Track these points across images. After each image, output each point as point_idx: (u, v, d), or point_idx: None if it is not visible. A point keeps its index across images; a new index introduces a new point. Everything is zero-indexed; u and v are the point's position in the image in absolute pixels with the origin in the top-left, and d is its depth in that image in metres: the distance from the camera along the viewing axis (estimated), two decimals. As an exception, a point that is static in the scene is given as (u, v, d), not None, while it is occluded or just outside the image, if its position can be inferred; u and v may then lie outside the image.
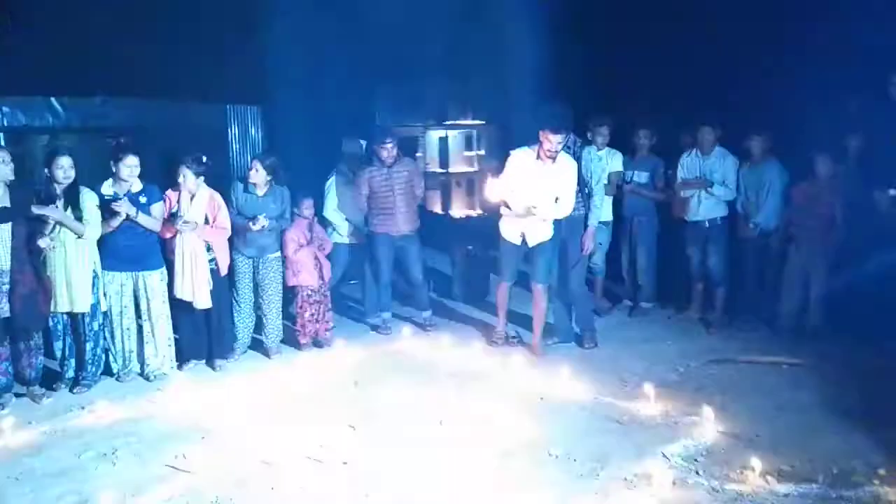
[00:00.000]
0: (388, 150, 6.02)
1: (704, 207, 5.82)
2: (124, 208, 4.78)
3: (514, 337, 5.67)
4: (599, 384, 4.69)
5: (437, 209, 10.09)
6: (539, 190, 5.11)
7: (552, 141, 4.96)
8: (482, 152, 10.36)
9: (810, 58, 5.60)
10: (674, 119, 6.40)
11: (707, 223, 5.83)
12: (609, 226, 6.32)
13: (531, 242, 5.24)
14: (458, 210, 10.14)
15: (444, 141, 10.28)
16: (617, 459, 3.61)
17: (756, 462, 3.38)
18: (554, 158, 5.05)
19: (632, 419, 4.13)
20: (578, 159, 5.31)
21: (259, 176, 5.37)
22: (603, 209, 5.75)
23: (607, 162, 6.15)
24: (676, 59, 6.94)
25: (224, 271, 5.26)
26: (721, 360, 5.03)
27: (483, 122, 10.30)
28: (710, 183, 5.73)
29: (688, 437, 3.84)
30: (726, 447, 3.71)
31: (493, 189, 5.24)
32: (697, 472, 3.44)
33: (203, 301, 5.10)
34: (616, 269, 6.56)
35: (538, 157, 5.11)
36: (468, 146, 10.59)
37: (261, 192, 5.42)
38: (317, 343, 5.81)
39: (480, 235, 7.16)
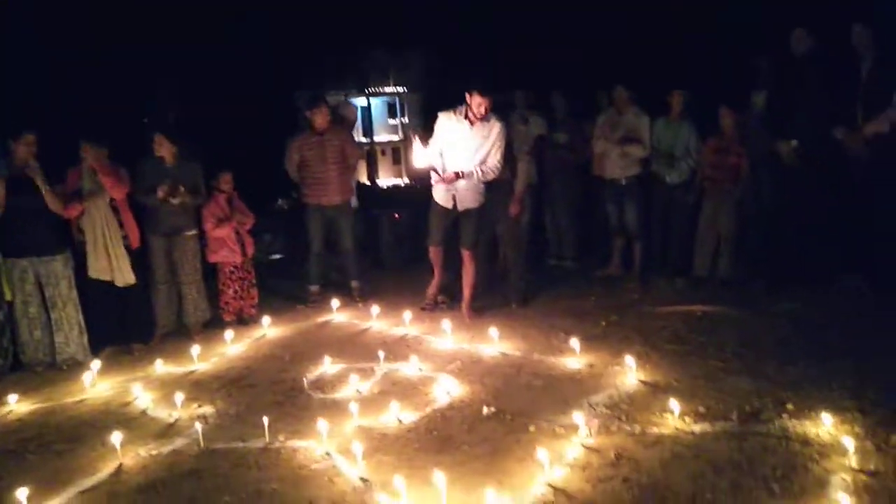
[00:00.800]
0: (323, 115, 5.85)
1: (619, 165, 5.96)
2: (37, 175, 4.48)
3: (443, 302, 5.70)
4: (529, 341, 4.80)
5: (364, 179, 9.98)
6: (466, 151, 5.10)
7: (478, 102, 4.93)
8: (406, 120, 10.31)
9: (722, 18, 5.79)
10: (591, 80, 6.51)
11: (623, 181, 5.99)
12: (533, 188, 6.41)
13: (461, 207, 5.25)
14: (385, 179, 10.10)
15: (366, 109, 10.15)
16: (546, 412, 3.71)
17: (674, 405, 3.54)
18: (482, 120, 5.04)
19: (560, 373, 4.25)
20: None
21: (164, 148, 5.13)
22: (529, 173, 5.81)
23: (531, 126, 6.21)
24: (594, 21, 7.04)
25: (136, 244, 5.04)
26: (641, 312, 5.22)
27: (405, 90, 10.25)
28: (625, 141, 5.85)
29: (612, 386, 3.98)
30: (647, 393, 3.87)
31: (420, 154, 5.18)
32: (621, 419, 3.58)
33: (126, 276, 4.88)
34: (540, 229, 6.68)
35: (465, 117, 5.09)
36: (391, 114, 10.46)
37: (170, 164, 5.18)
38: (242, 320, 5.67)
39: (408, 204, 7.14)
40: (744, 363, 4.15)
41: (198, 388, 4.43)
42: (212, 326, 5.54)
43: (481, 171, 5.10)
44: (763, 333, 4.57)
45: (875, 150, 4.70)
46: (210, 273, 5.65)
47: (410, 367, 4.47)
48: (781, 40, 5.16)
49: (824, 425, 3.26)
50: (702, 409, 3.61)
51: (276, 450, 3.54)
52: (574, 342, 4.44)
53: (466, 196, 5.22)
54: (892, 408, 3.39)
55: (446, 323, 5.04)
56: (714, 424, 3.45)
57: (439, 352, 4.76)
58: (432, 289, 5.69)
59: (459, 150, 5.12)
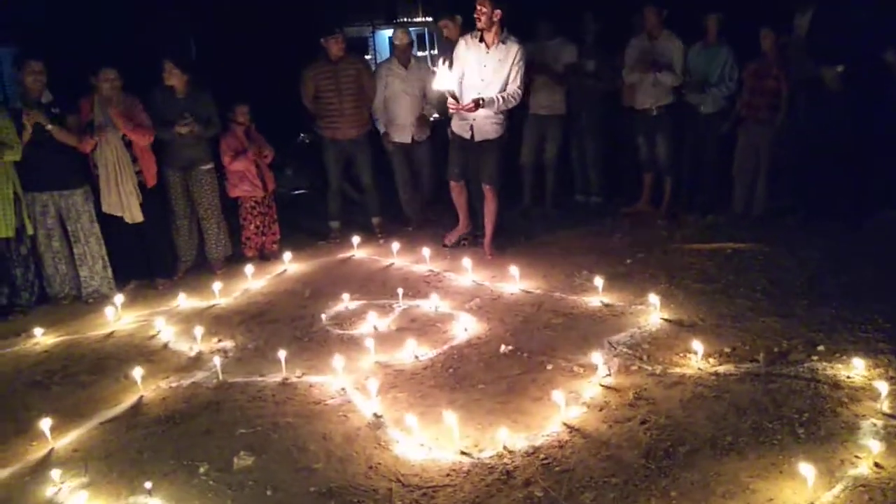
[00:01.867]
0: (338, 44, 5.64)
1: (651, 95, 5.65)
2: (33, 119, 4.41)
3: (465, 239, 5.59)
4: (550, 279, 4.69)
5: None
6: (485, 77, 4.85)
7: (478, 11, 4.65)
8: (435, 52, 9.98)
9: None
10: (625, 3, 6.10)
11: (654, 111, 5.69)
12: (562, 119, 6.17)
13: (478, 137, 5.04)
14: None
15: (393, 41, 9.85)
16: (564, 352, 3.65)
17: (698, 346, 3.43)
18: (500, 42, 4.77)
19: (581, 312, 4.15)
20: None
21: (174, 77, 4.98)
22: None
23: (560, 52, 5.91)
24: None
25: (151, 182, 4.98)
26: (669, 249, 5.05)
27: (434, 20, 9.88)
28: (658, 66, 5.51)
29: (633, 326, 3.88)
30: (670, 333, 3.77)
31: (442, 78, 4.91)
32: (641, 359, 3.49)
33: (134, 214, 4.85)
34: (567, 162, 6.46)
35: (481, 40, 4.84)
36: (420, 46, 10.09)
37: (181, 94, 5.06)
38: (264, 256, 5.65)
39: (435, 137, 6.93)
40: (774, 303, 4.00)
41: (218, 322, 4.45)
42: (234, 261, 5.54)
43: (502, 98, 4.83)
44: (795, 271, 4.39)
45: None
46: (232, 208, 5.61)
47: (429, 305, 4.42)
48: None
49: (856, 368, 3.14)
50: (727, 350, 3.50)
51: (293, 384, 3.56)
52: (597, 280, 4.32)
53: (485, 126, 4.99)
54: (930, 351, 3.24)
55: (467, 261, 4.95)
56: (739, 366, 3.35)
57: (459, 289, 4.69)
58: (461, 224, 5.53)
59: (476, 77, 4.87)
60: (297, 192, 7.72)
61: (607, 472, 2.67)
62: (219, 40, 7.61)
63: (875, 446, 2.58)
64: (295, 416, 3.25)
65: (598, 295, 4.27)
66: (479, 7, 4.68)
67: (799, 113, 5.08)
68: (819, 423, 2.81)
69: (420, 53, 10.00)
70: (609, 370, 3.38)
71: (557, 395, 3.06)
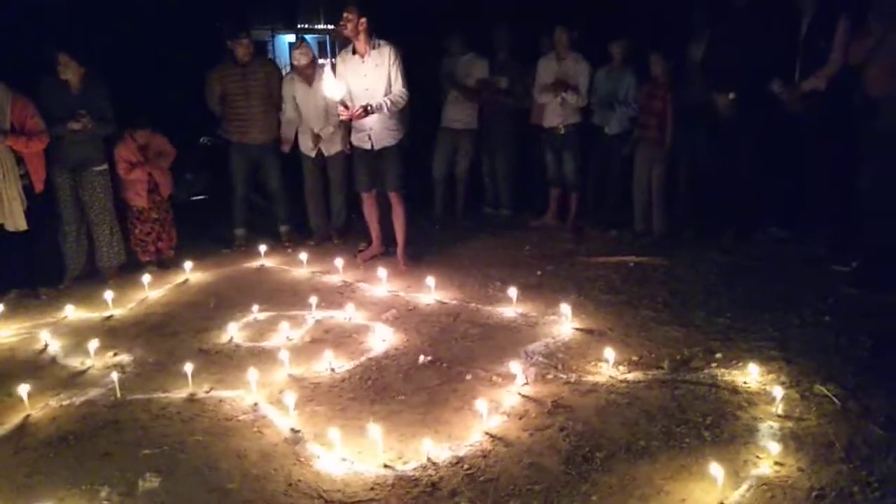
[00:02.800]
0: (245, 47, 5.45)
1: (558, 114, 5.85)
2: None
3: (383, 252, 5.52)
4: (465, 290, 4.73)
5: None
6: (368, 87, 4.87)
7: (344, 19, 4.70)
8: (335, 61, 9.85)
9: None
10: (535, 23, 6.30)
11: (562, 129, 5.90)
12: (474, 133, 6.28)
13: (378, 146, 5.03)
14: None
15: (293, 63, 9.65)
16: (482, 361, 3.67)
17: (609, 354, 3.56)
18: (372, 49, 4.79)
19: (497, 322, 4.21)
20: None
21: (70, 70, 4.62)
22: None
23: (472, 68, 6.02)
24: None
25: (39, 187, 4.59)
26: (576, 262, 5.23)
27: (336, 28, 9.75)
28: (565, 87, 5.73)
29: (548, 335, 3.97)
30: (582, 342, 3.89)
31: (329, 85, 4.87)
32: (557, 367, 3.58)
33: (17, 222, 4.44)
34: (477, 176, 6.58)
35: (354, 52, 4.88)
36: (322, 54, 9.91)
37: (76, 89, 4.69)
38: (161, 263, 5.34)
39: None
40: (674, 313, 4.22)
41: (113, 335, 4.15)
42: (128, 270, 5.20)
43: (390, 101, 4.84)
44: (693, 284, 4.66)
45: (809, 105, 4.78)
46: (124, 211, 5.27)
47: (344, 316, 4.33)
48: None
49: (752, 374, 3.35)
50: (635, 358, 3.66)
51: (201, 400, 3.37)
52: (511, 291, 4.40)
53: (382, 133, 4.98)
54: (815, 358, 3.52)
55: (381, 271, 4.90)
56: (647, 373, 3.50)
57: (374, 300, 4.63)
58: (370, 251, 5.45)
59: (360, 87, 4.87)
60: (196, 197, 7.37)
61: (530, 479, 2.71)
62: (116, 40, 7.17)
63: (774, 447, 2.77)
64: (205, 434, 3.06)
65: (512, 305, 4.34)
66: (345, 15, 4.71)
67: (696, 136, 5.43)
68: (722, 427, 2.98)
69: (322, 61, 9.84)
70: (527, 379, 3.44)
71: (480, 403, 3.08)
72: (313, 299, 4.45)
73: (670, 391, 3.29)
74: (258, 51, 5.72)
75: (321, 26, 10.16)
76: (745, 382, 3.32)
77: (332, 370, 3.63)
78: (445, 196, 6.54)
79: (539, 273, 5.04)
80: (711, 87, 5.16)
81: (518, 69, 6.16)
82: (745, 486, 2.57)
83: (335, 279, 5.04)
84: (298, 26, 10.38)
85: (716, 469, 2.55)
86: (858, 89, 4.41)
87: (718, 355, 3.63)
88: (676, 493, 2.57)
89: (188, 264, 5.20)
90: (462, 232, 6.14)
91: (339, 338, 4.06)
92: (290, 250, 5.71)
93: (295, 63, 5.54)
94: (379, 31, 4.89)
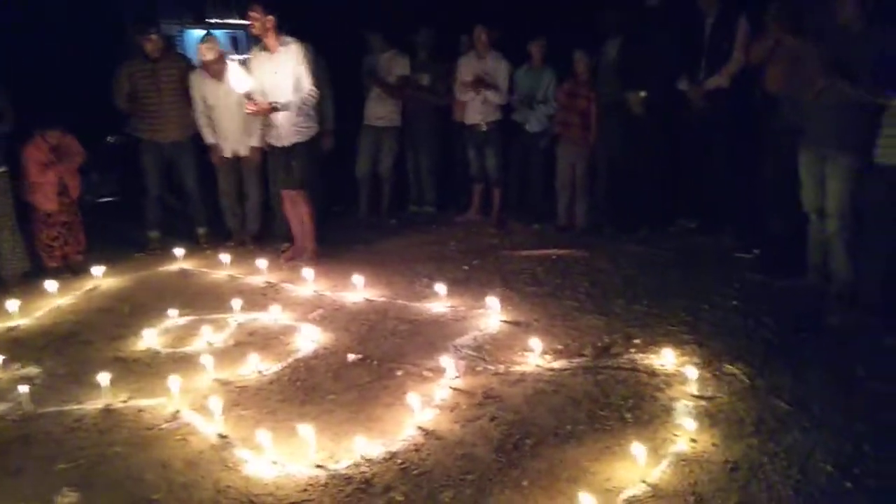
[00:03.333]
0: (153, 43, 5.24)
1: (480, 111, 5.94)
2: None
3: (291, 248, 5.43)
4: (393, 287, 4.73)
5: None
6: (276, 83, 4.85)
7: (251, 17, 4.71)
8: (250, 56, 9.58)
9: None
10: (455, 22, 6.36)
11: (484, 126, 5.99)
12: (397, 131, 6.28)
13: (287, 142, 5.00)
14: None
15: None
16: (412, 357, 3.69)
17: (535, 344, 3.65)
18: (281, 45, 4.78)
19: (425, 318, 4.23)
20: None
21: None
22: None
23: (393, 65, 6.01)
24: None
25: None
26: (501, 256, 5.33)
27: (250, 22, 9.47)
28: (486, 85, 5.82)
29: (476, 328, 4.03)
30: (509, 334, 3.97)
31: (235, 78, 4.87)
32: (485, 360, 3.65)
33: None
34: (402, 172, 6.58)
35: (264, 49, 4.86)
36: (235, 49, 9.63)
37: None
38: (70, 268, 5.06)
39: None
40: (595, 303, 4.38)
41: (19, 346, 3.92)
42: (33, 277, 4.89)
43: (298, 99, 4.84)
44: (612, 274, 4.85)
45: (714, 103, 5.06)
46: (28, 215, 4.97)
47: (269, 317, 4.24)
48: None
49: (667, 357, 3.52)
50: (560, 347, 3.77)
51: (119, 411, 3.23)
52: (439, 286, 4.43)
53: (290, 130, 4.96)
54: (724, 340, 3.75)
55: (307, 271, 4.82)
56: (571, 360, 3.62)
57: (300, 300, 4.56)
58: (294, 250, 5.36)
59: (271, 84, 4.86)
60: (104, 199, 7.02)
61: (463, 469, 2.75)
62: (17, 34, 6.74)
63: (689, 424, 2.93)
64: (125, 445, 2.94)
65: (440, 300, 4.38)
66: (251, 14, 4.71)
67: (611, 133, 5.64)
68: (642, 408, 3.13)
69: (236, 57, 9.56)
70: (457, 372, 3.48)
71: (412, 398, 3.10)
72: (236, 302, 4.34)
73: (593, 377, 3.42)
74: (168, 46, 5.49)
75: (234, 21, 9.85)
76: (661, 365, 3.48)
77: (259, 373, 3.56)
78: (370, 194, 6.51)
79: (465, 268, 5.10)
80: (624, 85, 5.37)
81: (439, 67, 6.21)
82: (664, 463, 2.71)
83: (258, 280, 4.92)
84: (209, 20, 10.03)
85: (637, 448, 2.67)
86: (758, 87, 4.72)
87: (637, 341, 3.79)
88: (602, 473, 2.68)
89: (99, 269, 4.95)
90: (388, 229, 6.14)
91: (265, 340, 3.97)
92: (209, 252, 5.53)
93: (201, 58, 5.27)
94: (299, 28, 4.83)
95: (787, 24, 4.29)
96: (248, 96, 4.83)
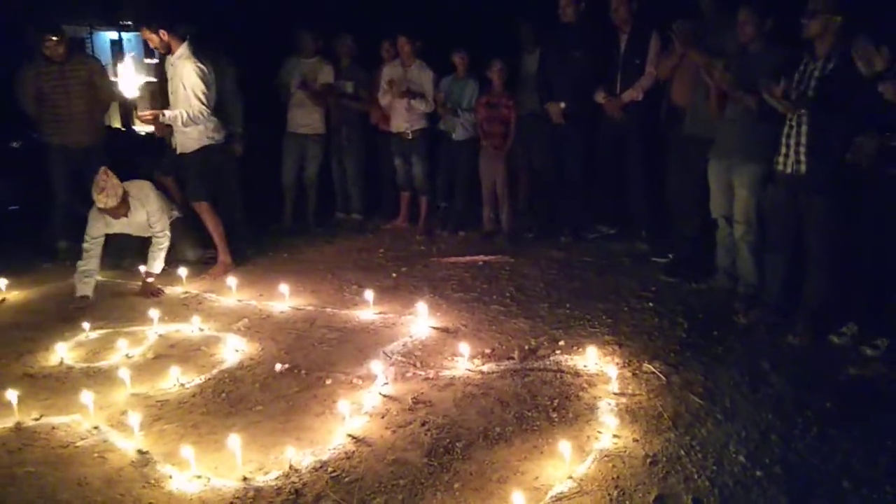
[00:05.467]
0: (56, 45, 5.02)
1: (405, 119, 5.97)
2: None
3: (211, 257, 5.29)
4: (321, 295, 4.68)
5: (117, 124, 8.84)
6: (171, 89, 4.83)
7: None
8: (157, 61, 9.29)
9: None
10: (378, 30, 6.38)
11: (410, 134, 6.03)
12: (321, 138, 6.23)
13: (179, 150, 4.94)
14: (143, 126, 9.03)
15: (117, 45, 8.93)
16: (341, 365, 3.67)
17: (464, 348, 3.71)
18: (178, 58, 4.76)
19: (354, 325, 4.21)
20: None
21: None
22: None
23: (317, 72, 5.96)
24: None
25: None
26: (428, 263, 5.37)
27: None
28: (413, 95, 5.87)
29: (405, 335, 4.05)
30: (438, 339, 4.01)
31: (123, 86, 4.83)
32: (415, 365, 3.67)
33: None
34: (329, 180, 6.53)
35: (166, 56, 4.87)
36: (149, 53, 9.30)
37: None
38: (-31, 282, 4.74)
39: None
40: (521, 306, 4.48)
41: None
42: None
43: (185, 113, 4.77)
44: (536, 279, 4.97)
45: (629, 115, 5.30)
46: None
47: (191, 328, 4.11)
48: (552, 6, 5.51)
49: (590, 358, 3.65)
50: (488, 351, 3.84)
51: (30, 429, 3.06)
52: (367, 294, 4.43)
53: (181, 138, 4.92)
54: (642, 339, 3.92)
55: (231, 280, 4.71)
56: (499, 363, 3.69)
57: (224, 310, 4.45)
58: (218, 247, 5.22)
59: (170, 91, 4.85)
60: (11, 207, 6.62)
61: (395, 475, 2.76)
62: None
63: (612, 422, 3.05)
64: (37, 464, 2.78)
65: (368, 308, 4.37)
66: (145, 36, 4.77)
67: (532, 143, 5.80)
68: (567, 407, 3.23)
69: (148, 61, 9.27)
70: (387, 378, 3.49)
71: (342, 406, 3.08)
72: (154, 313, 4.18)
73: (521, 379, 3.50)
74: (76, 48, 5.26)
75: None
76: (585, 366, 3.61)
77: (181, 385, 3.45)
78: (295, 202, 6.42)
79: (394, 275, 5.11)
80: (544, 97, 5.55)
81: (362, 75, 6.21)
82: (589, 459, 2.81)
83: (178, 291, 4.76)
84: (121, 23, 9.62)
85: (564, 446, 2.76)
86: (666, 100, 4.99)
87: (561, 343, 3.92)
88: (531, 473, 2.75)
89: (2, 282, 4.66)
90: (315, 238, 6.07)
91: (187, 352, 3.85)
92: (126, 262, 5.29)
93: (100, 206, 4.51)
94: (206, 34, 4.77)
95: (689, 40, 4.55)
96: (134, 104, 4.78)
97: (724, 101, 4.19)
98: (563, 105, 5.48)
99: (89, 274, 4.59)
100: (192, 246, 5.25)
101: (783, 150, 3.80)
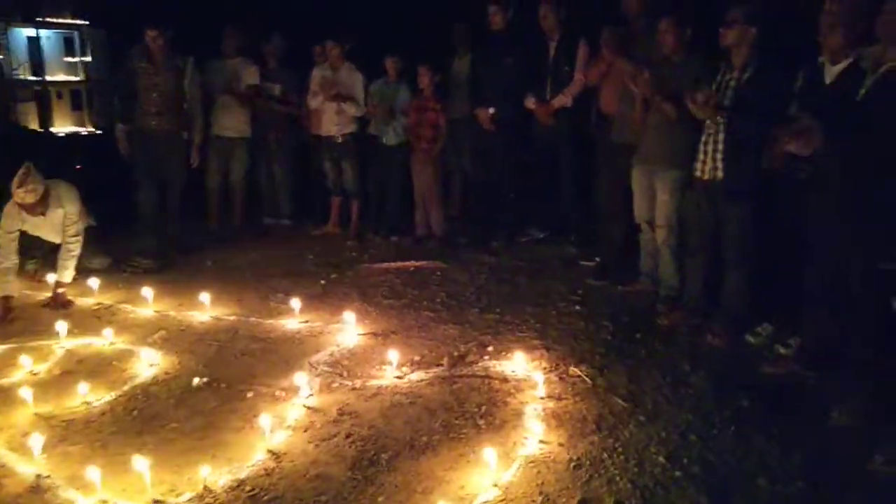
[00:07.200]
0: None
1: (335, 123, 5.87)
2: None
3: (134, 264, 5.06)
4: (245, 304, 4.53)
5: (34, 125, 8.37)
6: None
7: None
8: (88, 59, 8.82)
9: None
10: (306, 32, 6.25)
11: (339, 138, 5.93)
12: (247, 141, 6.05)
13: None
14: (62, 126, 8.60)
15: (35, 41, 8.46)
16: (264, 377, 3.55)
17: (393, 356, 3.64)
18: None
19: (279, 335, 4.09)
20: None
21: None
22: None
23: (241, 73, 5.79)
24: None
25: None
26: (359, 269, 5.28)
27: (87, 23, 8.75)
28: (342, 97, 5.77)
29: (332, 344, 3.96)
30: (367, 347, 3.93)
31: None
32: (342, 375, 3.58)
33: None
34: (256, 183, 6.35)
35: None
36: (69, 51, 8.86)
37: None
38: None
39: (90, 154, 6.17)
40: (451, 312, 4.45)
41: None
42: None
43: None
44: (466, 284, 4.96)
45: (559, 120, 5.36)
46: None
47: (102, 342, 3.89)
48: (481, 11, 5.53)
49: (518, 363, 3.65)
50: (417, 358, 3.78)
51: (-85, 456, 2.80)
52: (294, 302, 4.30)
53: None
54: (569, 343, 3.95)
55: (146, 290, 4.49)
56: (428, 371, 3.64)
57: (138, 321, 4.24)
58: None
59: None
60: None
61: (317, 491, 2.67)
62: None
63: (538, 427, 3.05)
64: (-79, 495, 2.55)
65: (295, 316, 4.25)
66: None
67: (462, 148, 5.80)
68: (494, 414, 3.21)
69: (71, 59, 8.82)
70: (311, 390, 3.38)
71: (263, 420, 2.96)
72: (61, 326, 3.94)
73: (449, 386, 3.47)
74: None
75: (69, 21, 9.03)
76: (513, 371, 3.60)
77: (88, 403, 3.25)
78: (221, 206, 6.21)
79: (323, 282, 5.00)
80: (474, 103, 5.56)
81: (290, 77, 6.07)
82: (515, 466, 2.79)
83: (89, 302, 4.51)
84: (39, 19, 9.14)
85: (489, 453, 2.73)
86: (595, 106, 5.07)
87: (490, 348, 3.90)
88: (456, 482, 2.71)
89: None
90: (240, 243, 5.88)
91: (97, 367, 3.65)
92: (37, 275, 4.98)
93: (19, 202, 4.27)
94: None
95: (617, 48, 4.64)
96: None
97: (648, 109, 4.29)
98: (492, 111, 5.50)
99: (6, 272, 4.35)
100: (97, 254, 5.07)
101: (701, 156, 3.91)
